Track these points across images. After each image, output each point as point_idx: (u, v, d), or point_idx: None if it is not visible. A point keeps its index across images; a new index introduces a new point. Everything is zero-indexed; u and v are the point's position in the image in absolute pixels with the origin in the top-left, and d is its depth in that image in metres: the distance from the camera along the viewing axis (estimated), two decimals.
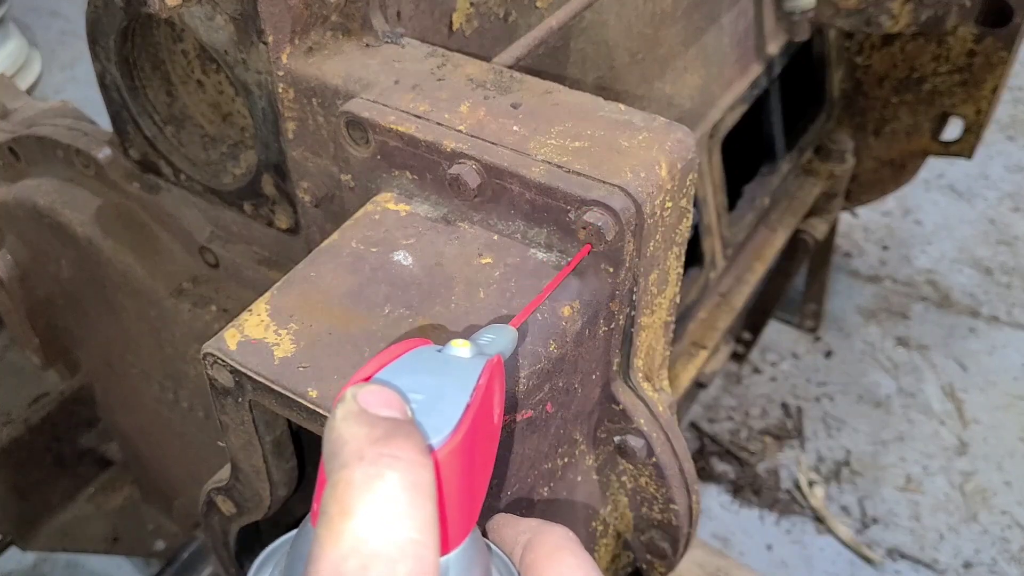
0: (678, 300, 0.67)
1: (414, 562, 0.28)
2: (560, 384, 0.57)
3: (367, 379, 0.34)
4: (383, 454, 0.29)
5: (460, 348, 0.37)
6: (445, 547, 0.32)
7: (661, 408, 0.66)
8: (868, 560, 1.63)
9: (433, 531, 0.29)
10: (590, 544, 0.70)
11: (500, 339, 0.40)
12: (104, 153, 0.89)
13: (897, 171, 1.66)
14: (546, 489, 0.62)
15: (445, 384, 0.34)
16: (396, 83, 0.64)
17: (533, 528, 0.38)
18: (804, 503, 1.72)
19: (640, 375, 0.65)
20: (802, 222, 1.63)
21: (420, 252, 0.59)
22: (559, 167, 0.56)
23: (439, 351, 0.37)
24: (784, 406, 1.89)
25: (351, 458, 0.29)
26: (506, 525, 0.39)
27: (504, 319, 0.54)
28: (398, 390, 0.33)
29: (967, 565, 1.62)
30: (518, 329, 0.42)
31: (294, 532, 0.35)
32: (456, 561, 0.33)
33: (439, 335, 0.50)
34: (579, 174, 0.56)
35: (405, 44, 0.70)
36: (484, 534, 0.40)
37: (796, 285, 1.94)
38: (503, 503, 0.57)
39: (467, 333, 0.53)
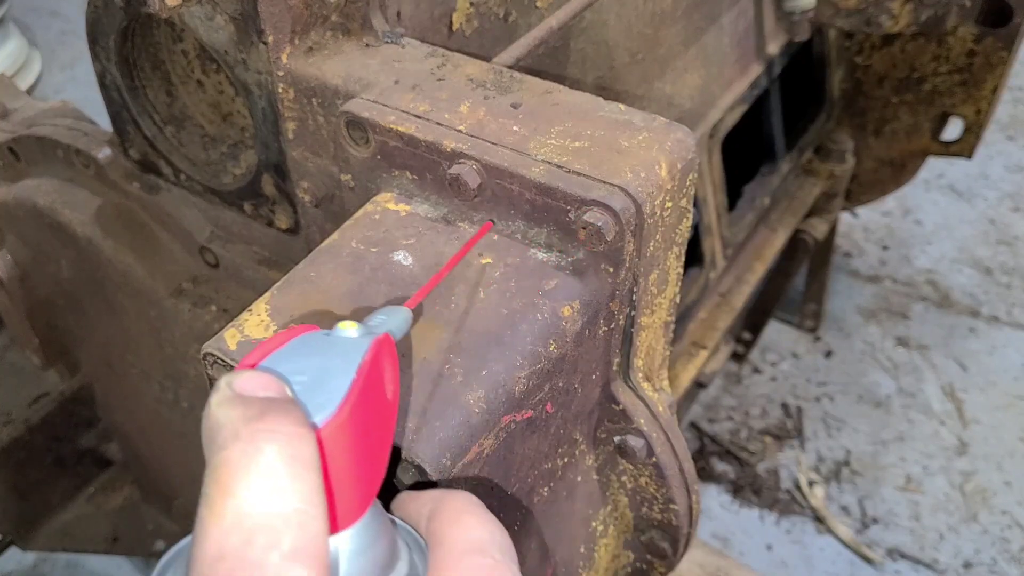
0: (678, 300, 0.67)
1: (299, 531, 0.28)
2: (560, 384, 0.57)
3: (252, 367, 0.34)
4: (259, 430, 0.29)
5: (347, 329, 0.37)
6: (336, 525, 0.32)
7: (661, 408, 0.66)
8: (868, 560, 1.63)
9: (318, 502, 0.29)
10: (590, 544, 0.70)
11: (391, 319, 0.40)
12: (104, 153, 0.89)
13: (897, 171, 1.66)
14: (546, 489, 0.62)
15: (330, 364, 0.34)
16: (396, 83, 0.64)
17: (436, 498, 0.38)
18: (804, 503, 1.72)
19: (640, 375, 0.65)
20: (802, 222, 1.63)
21: (420, 252, 0.59)
22: (559, 167, 0.56)
23: (327, 335, 0.37)
24: (784, 406, 1.89)
25: (228, 439, 0.29)
26: (410, 500, 0.39)
27: (503, 319, 0.55)
28: (278, 374, 0.32)
29: (967, 565, 1.62)
30: (413, 310, 0.42)
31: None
32: (352, 538, 0.32)
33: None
34: (579, 174, 0.56)
35: (405, 44, 0.70)
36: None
37: (796, 285, 1.94)
38: (503, 503, 0.57)
39: (460, 328, 0.53)
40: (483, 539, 0.35)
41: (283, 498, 0.28)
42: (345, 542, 0.32)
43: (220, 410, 0.30)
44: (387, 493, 0.41)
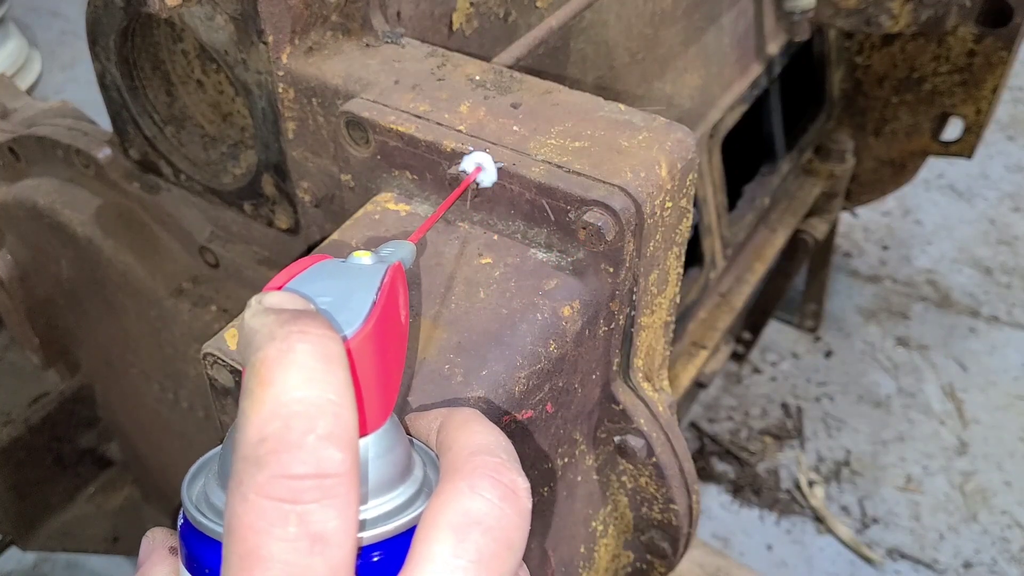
0: (678, 300, 0.67)
1: (333, 419, 0.30)
2: (560, 384, 0.57)
3: (279, 289, 0.37)
4: (293, 331, 0.31)
5: (362, 257, 0.40)
6: (364, 428, 0.35)
7: (661, 408, 0.66)
8: (868, 560, 1.63)
9: (348, 395, 0.31)
10: (590, 544, 0.70)
11: (399, 250, 0.43)
12: (104, 153, 0.89)
13: (897, 171, 1.66)
14: (546, 489, 0.62)
15: (351, 286, 0.37)
16: (396, 83, 0.64)
17: (443, 413, 0.41)
18: (804, 503, 1.72)
19: (640, 375, 0.65)
20: (802, 222, 1.63)
21: (420, 252, 0.59)
22: (559, 167, 0.56)
23: (343, 262, 0.39)
24: (784, 406, 1.89)
25: (264, 341, 0.31)
26: (419, 419, 0.42)
27: (504, 319, 0.55)
28: (303, 295, 0.35)
29: (967, 565, 1.62)
30: (416, 244, 0.45)
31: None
32: (376, 441, 0.35)
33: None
34: (579, 174, 0.56)
35: (405, 44, 0.70)
36: None
37: (796, 285, 1.94)
38: None
39: (460, 329, 0.53)
40: (489, 442, 0.37)
41: (318, 389, 0.30)
42: (369, 445, 0.35)
43: (255, 319, 0.32)
44: None
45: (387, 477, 0.36)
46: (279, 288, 0.37)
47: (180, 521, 0.36)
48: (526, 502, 0.35)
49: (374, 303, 0.36)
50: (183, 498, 0.36)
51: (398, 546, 0.34)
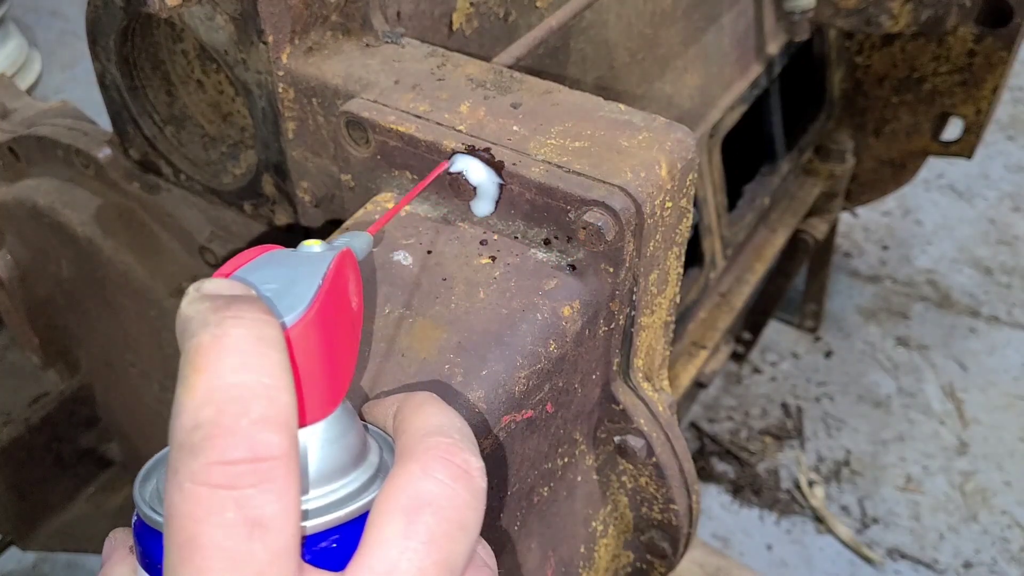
0: (678, 300, 0.67)
1: (267, 402, 0.30)
2: (560, 384, 0.57)
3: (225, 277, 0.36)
4: (227, 316, 0.31)
5: (312, 245, 0.39)
6: (307, 417, 0.34)
7: (661, 408, 0.66)
8: (868, 560, 1.63)
9: (285, 378, 0.31)
10: (590, 544, 0.70)
11: (353, 240, 0.42)
12: (104, 153, 0.89)
13: (897, 171, 1.66)
14: (546, 489, 0.62)
15: (297, 273, 0.36)
16: (396, 83, 0.64)
17: (399, 399, 0.40)
18: (804, 503, 1.72)
19: (640, 375, 0.65)
20: (802, 222, 1.63)
21: (420, 252, 0.59)
22: (559, 167, 0.56)
23: (293, 251, 0.39)
24: (784, 406, 1.89)
25: (198, 328, 0.31)
26: (376, 405, 0.42)
27: (504, 319, 0.55)
28: (248, 282, 0.35)
29: (967, 565, 1.62)
30: (374, 236, 0.45)
31: None
32: (325, 429, 0.35)
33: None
34: (579, 174, 0.56)
35: (405, 44, 0.70)
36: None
37: (796, 285, 1.94)
38: (504, 503, 0.57)
39: (460, 328, 0.53)
40: (443, 423, 0.37)
41: (252, 373, 0.30)
42: (317, 432, 0.35)
43: (191, 307, 0.32)
44: None
45: (340, 463, 0.36)
46: (226, 275, 0.36)
47: (134, 519, 0.36)
48: (480, 482, 0.35)
49: (319, 289, 0.35)
50: (134, 494, 0.36)
51: (353, 531, 0.34)
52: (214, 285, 0.33)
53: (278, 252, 0.39)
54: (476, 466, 0.35)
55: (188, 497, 0.29)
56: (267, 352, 0.31)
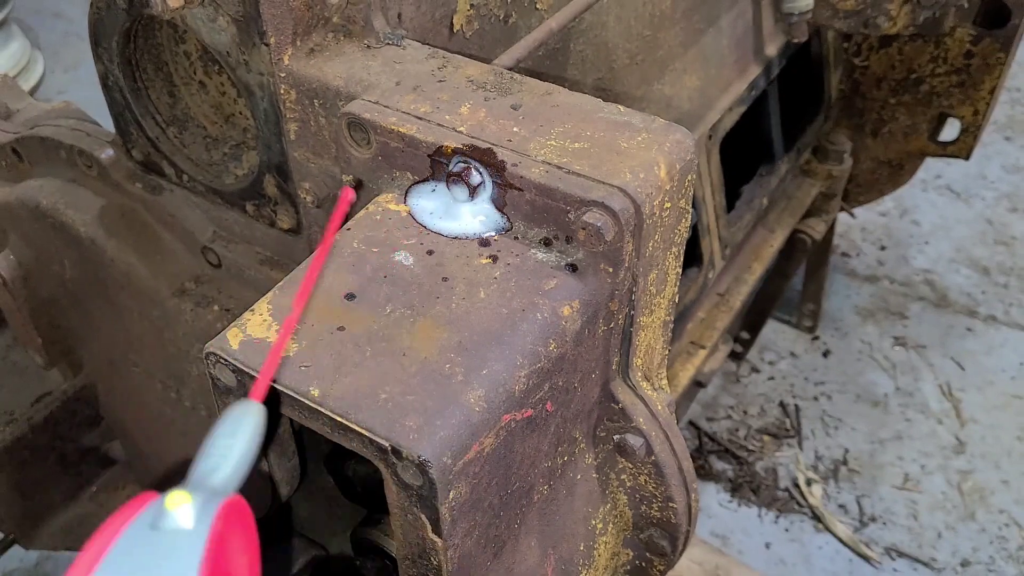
0: (677, 300, 0.67)
1: None
2: (560, 383, 0.58)
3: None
4: None
5: (180, 509, 0.34)
6: None
7: (660, 407, 0.66)
8: (866, 558, 1.64)
9: None
10: (590, 542, 0.70)
11: (230, 456, 0.36)
12: (107, 154, 0.90)
13: (895, 172, 1.67)
14: (546, 487, 0.63)
15: (164, 571, 0.32)
16: (397, 84, 0.65)
17: None
18: (802, 501, 1.73)
19: (639, 374, 0.66)
20: (800, 222, 1.64)
21: (421, 252, 0.59)
22: (559, 168, 0.57)
23: (154, 532, 0.34)
24: (782, 405, 1.90)
25: None
26: None
27: (504, 318, 0.55)
28: None
29: (965, 563, 1.63)
30: (263, 405, 0.39)
31: None
32: None
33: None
34: (579, 175, 0.56)
35: (406, 46, 0.71)
36: None
37: (794, 285, 1.95)
38: (504, 501, 0.57)
39: (460, 328, 0.54)
40: None
41: None
42: None
43: None
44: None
45: None
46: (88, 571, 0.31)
47: None
48: None
49: None
50: None
51: None
52: None
53: (138, 533, 0.34)
54: None
55: None
56: None
